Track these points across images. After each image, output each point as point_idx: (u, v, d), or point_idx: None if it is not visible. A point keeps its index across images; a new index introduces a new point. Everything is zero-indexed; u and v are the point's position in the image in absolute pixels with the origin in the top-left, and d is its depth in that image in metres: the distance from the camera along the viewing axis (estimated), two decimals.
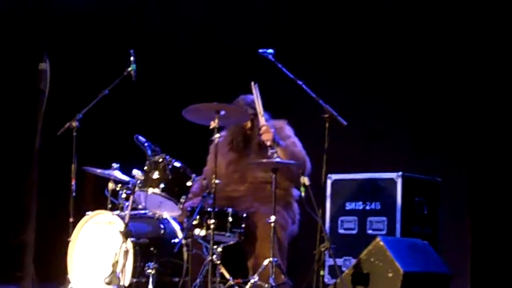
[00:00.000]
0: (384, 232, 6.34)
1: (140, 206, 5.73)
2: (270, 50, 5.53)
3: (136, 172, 5.52)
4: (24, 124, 6.74)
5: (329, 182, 6.61)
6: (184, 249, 5.54)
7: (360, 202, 6.53)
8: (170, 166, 5.54)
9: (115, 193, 5.83)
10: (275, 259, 5.25)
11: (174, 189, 5.53)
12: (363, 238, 6.28)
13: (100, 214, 5.68)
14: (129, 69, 6.01)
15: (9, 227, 8.00)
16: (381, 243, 5.32)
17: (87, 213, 5.72)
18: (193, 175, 5.63)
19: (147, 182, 5.50)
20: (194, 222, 5.35)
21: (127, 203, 5.58)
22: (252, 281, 5.24)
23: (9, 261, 7.62)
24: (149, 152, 5.61)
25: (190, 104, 5.35)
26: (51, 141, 5.98)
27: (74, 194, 5.98)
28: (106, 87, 6.08)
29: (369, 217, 6.47)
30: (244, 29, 8.27)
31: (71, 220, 5.90)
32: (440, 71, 7.30)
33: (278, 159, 5.38)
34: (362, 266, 5.34)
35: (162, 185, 5.50)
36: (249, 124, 5.92)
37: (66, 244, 5.72)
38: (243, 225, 5.46)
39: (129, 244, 5.34)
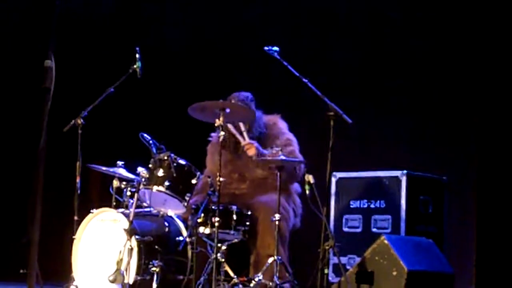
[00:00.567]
0: (388, 230, 6.33)
1: (144, 204, 5.74)
2: (276, 48, 5.53)
3: (141, 169, 5.52)
4: (29, 121, 6.75)
5: (333, 180, 6.61)
6: (189, 247, 5.54)
7: (365, 200, 6.52)
8: (175, 164, 5.54)
9: (119, 191, 5.83)
10: (279, 257, 5.25)
11: (179, 187, 5.53)
12: (367, 236, 6.27)
13: (105, 212, 5.69)
14: (135, 66, 6.01)
15: (14, 225, 8.02)
16: (386, 241, 5.31)
17: (91, 210, 5.72)
18: (198, 173, 5.63)
19: (152, 179, 5.51)
20: (199, 220, 5.35)
21: (131, 201, 5.58)
22: (256, 279, 5.24)
23: (14, 258, 7.64)
24: (154, 149, 5.61)
25: (195, 102, 5.35)
26: (56, 138, 5.99)
27: (79, 191, 5.99)
28: (112, 85, 6.08)
29: (374, 216, 6.46)
30: (249, 27, 8.26)
31: (75, 217, 5.91)
32: (446, 67, 7.28)
33: (283, 157, 5.38)
34: (367, 264, 5.34)
35: (166, 183, 5.50)
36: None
37: (70, 241, 5.72)
38: (248, 223, 5.46)
39: (133, 242, 5.34)
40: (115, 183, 5.84)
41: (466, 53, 7.12)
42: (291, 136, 5.96)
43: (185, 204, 5.55)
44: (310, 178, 5.28)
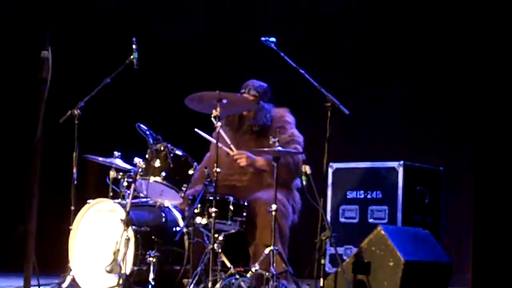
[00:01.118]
0: (385, 221, 6.34)
1: (141, 195, 5.73)
2: (273, 39, 5.52)
3: (137, 160, 5.51)
4: (26, 112, 6.75)
5: (330, 171, 6.62)
6: (185, 237, 5.55)
7: (362, 191, 6.53)
8: (171, 155, 5.53)
9: (116, 182, 5.83)
10: (276, 247, 5.26)
11: (176, 177, 5.53)
12: (364, 227, 6.29)
13: (102, 202, 5.68)
14: (131, 57, 5.99)
15: (11, 216, 8.02)
16: (382, 232, 5.32)
17: (88, 201, 5.72)
18: (195, 163, 5.63)
19: (149, 170, 5.50)
20: (196, 211, 5.35)
21: (128, 192, 5.58)
22: (253, 269, 5.24)
23: (11, 249, 7.65)
24: (150, 140, 5.61)
25: (192, 92, 5.34)
26: (53, 129, 5.99)
27: (75, 182, 5.98)
28: (108, 76, 6.07)
29: (371, 206, 6.47)
30: (245, 18, 8.26)
31: (72, 208, 5.91)
32: (441, 58, 7.29)
33: (280, 148, 5.38)
34: (363, 255, 5.34)
35: (163, 174, 5.50)
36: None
37: (67, 232, 5.72)
38: (245, 214, 5.46)
39: (130, 233, 5.34)
40: (112, 173, 5.84)
41: (461, 46, 7.13)
42: (296, 132, 5.91)
43: (182, 194, 5.55)
44: (307, 169, 5.27)
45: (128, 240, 5.28)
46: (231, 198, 5.43)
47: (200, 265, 5.19)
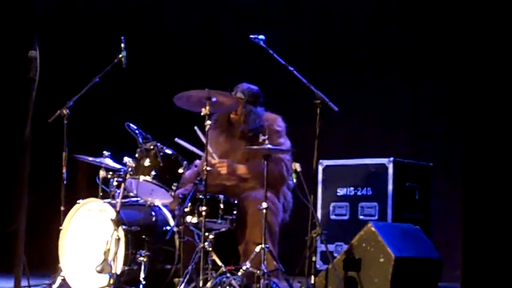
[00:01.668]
0: (375, 217, 6.35)
1: (131, 194, 5.72)
2: (262, 36, 5.52)
3: (127, 159, 5.51)
4: (14, 112, 6.73)
5: (320, 168, 6.62)
6: (176, 236, 5.54)
7: (352, 188, 6.54)
8: (161, 154, 5.52)
9: (106, 181, 5.82)
10: (267, 245, 5.25)
11: (166, 176, 5.52)
12: (354, 223, 6.29)
13: (92, 202, 5.67)
14: (120, 56, 5.98)
15: (0, 216, 7.99)
16: (373, 228, 5.33)
17: (78, 201, 5.70)
18: (185, 162, 5.62)
19: (139, 169, 5.49)
20: (186, 209, 5.35)
21: (118, 191, 5.57)
22: (244, 267, 5.24)
23: (0, 250, 7.61)
24: (140, 139, 5.60)
25: (181, 91, 5.33)
26: (42, 129, 5.97)
27: (65, 182, 5.97)
28: (97, 75, 6.06)
29: (361, 203, 6.48)
30: (235, 16, 8.25)
31: (62, 208, 5.90)
32: (431, 54, 7.30)
33: (269, 146, 5.37)
34: (354, 251, 5.35)
35: (153, 173, 5.49)
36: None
37: (57, 232, 5.71)
38: (235, 212, 5.46)
39: (120, 232, 5.33)
40: (102, 173, 5.83)
41: (452, 41, 7.13)
42: (283, 141, 5.81)
43: (172, 193, 5.54)
44: (297, 166, 5.28)
45: (118, 239, 5.28)
46: (221, 197, 5.42)
47: (191, 264, 5.19)
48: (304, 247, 5.22)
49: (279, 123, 5.93)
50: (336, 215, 6.58)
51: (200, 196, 5.28)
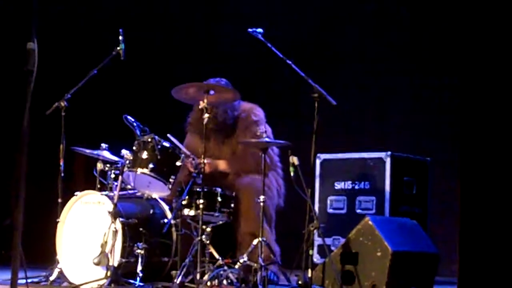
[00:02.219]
0: (373, 211, 6.35)
1: (129, 186, 5.72)
2: (260, 29, 5.51)
3: (125, 152, 5.50)
4: (12, 104, 6.71)
5: (318, 162, 6.62)
6: (173, 229, 5.54)
7: (349, 182, 6.54)
8: (159, 146, 5.52)
9: (104, 174, 5.81)
10: (264, 238, 5.26)
11: (163, 169, 5.52)
12: (352, 217, 6.29)
13: (89, 194, 5.67)
14: (118, 48, 5.97)
15: None
16: (370, 222, 5.33)
17: (75, 193, 5.70)
18: (182, 155, 5.62)
19: (136, 162, 5.49)
20: (183, 202, 5.35)
21: (116, 183, 5.57)
22: (241, 260, 5.25)
23: None
24: (138, 132, 5.59)
25: (179, 83, 5.33)
26: (40, 121, 5.97)
27: (62, 174, 5.96)
28: (95, 67, 6.05)
29: (358, 197, 6.48)
30: (232, 10, 8.24)
31: (59, 200, 5.89)
32: (429, 49, 7.30)
33: (267, 139, 5.38)
34: (351, 245, 5.35)
35: (151, 165, 5.49)
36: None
37: (54, 224, 5.71)
38: (232, 205, 5.47)
39: (118, 225, 5.33)
40: (99, 165, 5.82)
41: (450, 37, 7.13)
42: (262, 129, 5.70)
43: (170, 186, 5.54)
44: (294, 160, 5.28)
45: (115, 232, 5.28)
46: (218, 190, 5.43)
47: (188, 256, 5.19)
48: (302, 240, 5.22)
49: (256, 112, 5.92)
50: (333, 208, 6.58)
51: (198, 189, 5.28)
